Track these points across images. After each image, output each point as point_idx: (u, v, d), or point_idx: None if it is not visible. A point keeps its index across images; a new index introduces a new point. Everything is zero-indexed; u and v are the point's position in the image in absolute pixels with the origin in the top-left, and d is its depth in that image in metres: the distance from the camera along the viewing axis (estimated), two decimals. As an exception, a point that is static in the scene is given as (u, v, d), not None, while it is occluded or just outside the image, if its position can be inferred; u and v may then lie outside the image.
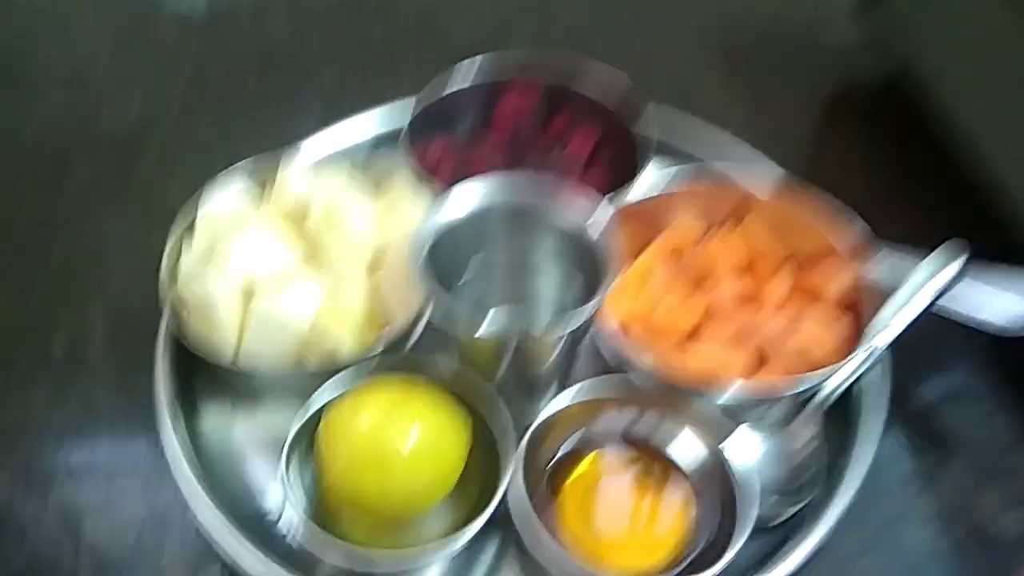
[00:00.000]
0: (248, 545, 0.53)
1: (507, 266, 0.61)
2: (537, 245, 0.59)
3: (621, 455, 0.57)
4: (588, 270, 0.56)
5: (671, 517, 0.54)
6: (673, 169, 0.69)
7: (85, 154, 0.81)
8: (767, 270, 0.63)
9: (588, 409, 0.57)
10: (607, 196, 0.64)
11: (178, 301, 0.58)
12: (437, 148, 0.73)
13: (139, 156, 0.81)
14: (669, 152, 0.74)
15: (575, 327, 0.54)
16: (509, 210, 0.59)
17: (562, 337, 0.55)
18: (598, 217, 0.57)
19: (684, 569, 0.51)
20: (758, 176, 0.68)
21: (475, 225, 0.59)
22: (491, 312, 0.62)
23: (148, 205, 0.75)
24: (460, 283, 0.60)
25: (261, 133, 0.74)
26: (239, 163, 0.65)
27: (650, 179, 0.66)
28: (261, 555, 0.53)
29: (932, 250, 0.61)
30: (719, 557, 0.48)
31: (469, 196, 0.59)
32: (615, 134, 0.73)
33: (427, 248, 0.55)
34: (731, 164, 0.71)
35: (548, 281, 0.61)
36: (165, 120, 0.84)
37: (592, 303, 0.53)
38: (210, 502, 0.55)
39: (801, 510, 0.55)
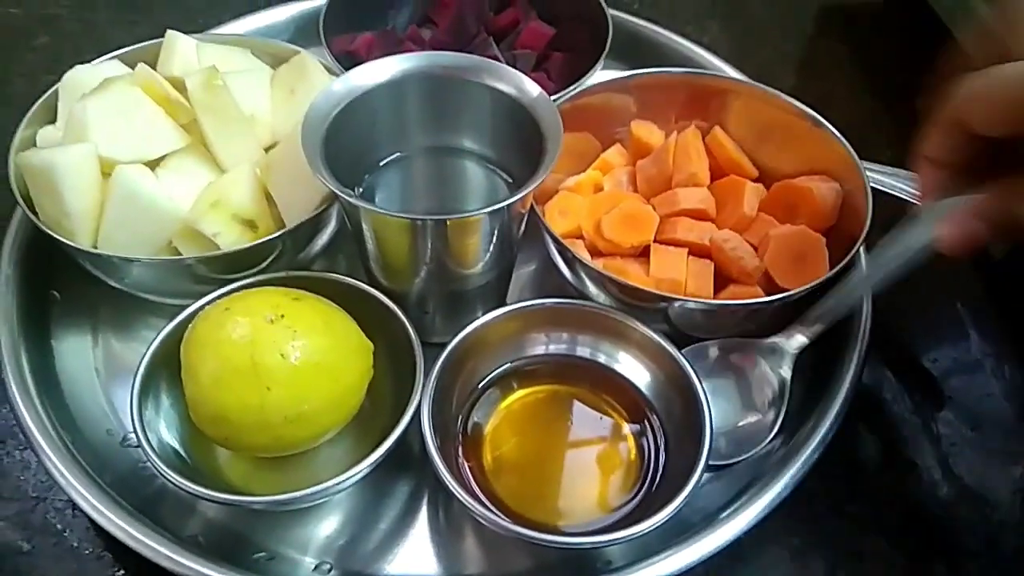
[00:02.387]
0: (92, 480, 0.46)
1: (427, 148, 0.52)
2: (464, 120, 0.51)
3: (556, 389, 0.50)
4: (525, 150, 0.47)
5: (609, 462, 0.48)
6: (632, 72, 0.59)
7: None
8: (733, 184, 0.55)
9: (519, 331, 0.50)
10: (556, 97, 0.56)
11: (23, 175, 0.50)
12: (364, 41, 0.64)
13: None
14: (632, 59, 0.67)
15: (505, 217, 0.45)
16: (431, 79, 0.49)
17: (493, 232, 0.46)
18: (538, 88, 0.48)
19: (636, 507, 0.45)
20: (730, 82, 0.60)
21: (388, 98, 0.49)
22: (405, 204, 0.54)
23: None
24: (368, 175, 0.51)
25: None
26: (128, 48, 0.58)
27: (605, 80, 0.58)
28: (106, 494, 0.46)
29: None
30: (674, 496, 0.42)
31: (381, 68, 0.49)
32: (573, 30, 0.65)
33: (326, 127, 0.46)
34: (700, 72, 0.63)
35: (476, 164, 0.52)
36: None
37: (529, 184, 0.44)
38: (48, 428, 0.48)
39: (769, 454, 0.49)
